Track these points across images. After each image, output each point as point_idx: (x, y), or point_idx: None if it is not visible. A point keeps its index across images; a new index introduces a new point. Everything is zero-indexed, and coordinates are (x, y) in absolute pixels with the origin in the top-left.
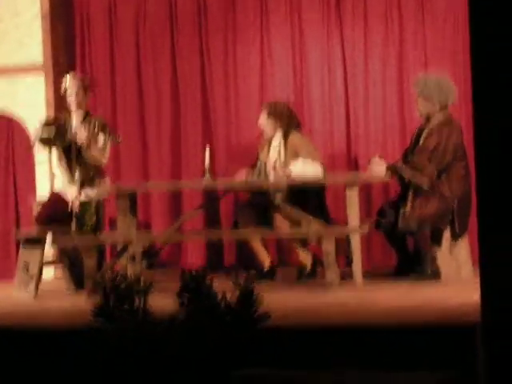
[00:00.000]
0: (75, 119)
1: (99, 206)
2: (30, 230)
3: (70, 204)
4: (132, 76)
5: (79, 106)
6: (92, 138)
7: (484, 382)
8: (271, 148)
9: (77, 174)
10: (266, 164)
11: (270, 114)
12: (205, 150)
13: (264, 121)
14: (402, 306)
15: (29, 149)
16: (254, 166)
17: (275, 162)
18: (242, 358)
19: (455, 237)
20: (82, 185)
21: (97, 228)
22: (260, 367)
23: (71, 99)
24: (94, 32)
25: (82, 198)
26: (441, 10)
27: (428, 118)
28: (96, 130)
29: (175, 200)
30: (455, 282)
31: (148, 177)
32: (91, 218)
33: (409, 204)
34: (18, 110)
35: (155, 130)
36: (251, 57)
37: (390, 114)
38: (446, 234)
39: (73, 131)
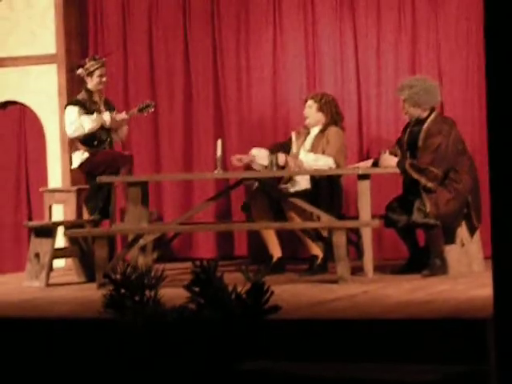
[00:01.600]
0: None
1: (110, 190)
2: (41, 219)
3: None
4: (144, 65)
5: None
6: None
7: (494, 378)
8: (308, 139)
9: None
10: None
11: (320, 107)
12: (216, 141)
13: (312, 113)
14: (413, 300)
15: (41, 137)
16: (270, 147)
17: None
18: (251, 350)
19: (473, 230)
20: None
21: (105, 213)
22: (268, 360)
23: (103, 81)
24: (106, 21)
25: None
26: (455, 1)
27: (417, 120)
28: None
29: (186, 192)
30: (466, 276)
31: (160, 168)
32: (99, 203)
33: (425, 202)
34: (30, 99)
35: (167, 121)
36: (264, 48)
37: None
38: (459, 229)
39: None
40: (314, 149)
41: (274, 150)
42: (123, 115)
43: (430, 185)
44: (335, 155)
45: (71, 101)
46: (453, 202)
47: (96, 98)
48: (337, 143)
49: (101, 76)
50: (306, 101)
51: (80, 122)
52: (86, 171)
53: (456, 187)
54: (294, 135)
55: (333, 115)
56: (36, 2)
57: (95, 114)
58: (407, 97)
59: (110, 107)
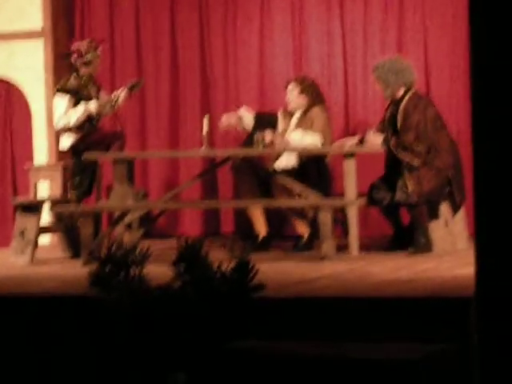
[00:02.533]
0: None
1: (96, 168)
2: (27, 196)
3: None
4: (131, 44)
5: None
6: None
7: (477, 356)
8: (292, 120)
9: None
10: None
11: (302, 91)
12: (203, 118)
13: (295, 96)
14: (397, 278)
15: (27, 114)
16: (256, 114)
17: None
18: (237, 329)
19: (456, 207)
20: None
21: (89, 190)
22: (254, 339)
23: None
24: None
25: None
26: None
27: (395, 100)
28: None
29: (173, 169)
30: (450, 254)
31: (146, 146)
32: (86, 180)
33: (406, 178)
34: (17, 75)
35: (153, 98)
36: (251, 27)
37: None
38: (442, 207)
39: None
40: (298, 126)
41: (260, 120)
42: (112, 96)
43: (415, 162)
44: (321, 131)
45: (61, 87)
46: (434, 178)
47: (86, 79)
48: (320, 121)
49: (96, 66)
50: (287, 86)
51: (68, 117)
52: (78, 153)
53: (437, 164)
54: (280, 114)
55: (314, 97)
56: None
57: (82, 106)
58: (377, 77)
59: (97, 88)
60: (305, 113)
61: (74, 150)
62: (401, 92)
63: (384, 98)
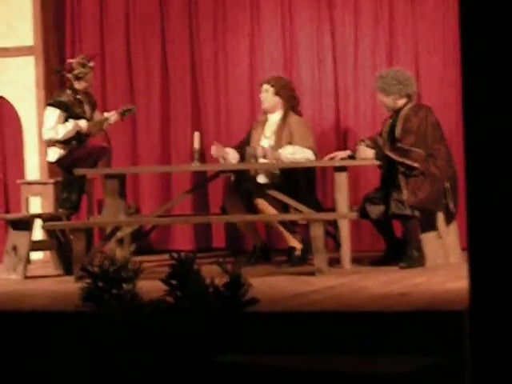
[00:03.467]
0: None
1: (84, 184)
2: (19, 212)
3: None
4: (122, 59)
5: None
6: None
7: (470, 370)
8: (267, 126)
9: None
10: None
11: (277, 92)
12: (194, 134)
13: (269, 97)
14: (390, 292)
15: (19, 129)
16: (237, 146)
17: (269, 140)
18: (229, 343)
19: (450, 218)
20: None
21: (77, 207)
22: (246, 353)
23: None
24: (84, 14)
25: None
26: None
27: (394, 111)
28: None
29: (164, 184)
30: (443, 268)
31: (137, 161)
32: (73, 195)
33: (403, 189)
34: (8, 91)
35: (145, 113)
36: (241, 42)
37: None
38: (437, 218)
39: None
40: (276, 137)
41: (239, 147)
42: (103, 116)
43: (416, 164)
44: (311, 146)
45: (54, 101)
46: (430, 187)
47: (82, 98)
48: (305, 133)
49: (89, 79)
50: (262, 85)
51: (56, 131)
52: (64, 167)
53: (433, 172)
54: (253, 125)
55: (289, 99)
56: None
57: (72, 123)
58: (379, 86)
59: (92, 104)
60: (283, 119)
61: (60, 164)
62: (401, 103)
63: (384, 108)
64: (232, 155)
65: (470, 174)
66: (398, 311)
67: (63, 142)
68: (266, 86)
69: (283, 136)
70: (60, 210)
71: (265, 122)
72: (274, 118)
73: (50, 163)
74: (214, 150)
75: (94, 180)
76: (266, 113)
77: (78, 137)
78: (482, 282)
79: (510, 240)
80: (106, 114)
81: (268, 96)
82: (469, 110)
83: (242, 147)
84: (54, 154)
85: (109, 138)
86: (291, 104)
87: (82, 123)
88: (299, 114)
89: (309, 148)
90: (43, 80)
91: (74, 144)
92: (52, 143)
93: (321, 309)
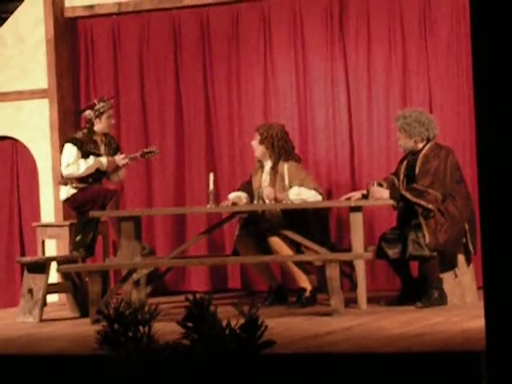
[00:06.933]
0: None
1: (97, 227)
2: (35, 254)
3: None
4: (136, 100)
5: None
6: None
7: None
8: (264, 173)
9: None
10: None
11: (262, 141)
12: (208, 176)
13: (256, 145)
14: (407, 333)
15: (34, 171)
16: (242, 189)
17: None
18: None
19: (469, 259)
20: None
21: (92, 250)
22: None
23: (112, 123)
24: (98, 56)
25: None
26: (444, 34)
27: (412, 152)
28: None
29: (179, 225)
30: (460, 307)
31: (152, 202)
32: (87, 238)
33: (425, 231)
34: (22, 134)
35: (159, 156)
36: (254, 81)
37: (393, 138)
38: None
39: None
40: (272, 185)
41: (245, 188)
42: (125, 160)
43: (430, 206)
44: (314, 187)
45: (71, 138)
46: (450, 228)
47: (98, 139)
48: (304, 176)
49: (109, 117)
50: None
51: (77, 166)
52: (73, 208)
53: (452, 213)
54: (252, 174)
55: (276, 149)
56: (27, 38)
57: (92, 158)
58: (400, 126)
59: (114, 148)
60: (273, 168)
61: (70, 203)
62: (421, 145)
63: (402, 148)
64: (244, 199)
65: (485, 213)
66: (416, 352)
67: (80, 179)
68: (256, 134)
69: (276, 186)
70: (75, 253)
71: (262, 168)
72: (267, 166)
73: (64, 203)
74: (230, 199)
75: (105, 222)
76: (259, 160)
77: (96, 174)
78: (498, 322)
79: None
80: (125, 157)
81: (256, 144)
82: (482, 151)
83: (246, 188)
84: (65, 192)
85: (122, 181)
86: (281, 152)
87: (103, 160)
88: (297, 158)
89: (313, 189)
90: (57, 122)
91: (90, 181)
92: (68, 180)
93: (338, 350)
